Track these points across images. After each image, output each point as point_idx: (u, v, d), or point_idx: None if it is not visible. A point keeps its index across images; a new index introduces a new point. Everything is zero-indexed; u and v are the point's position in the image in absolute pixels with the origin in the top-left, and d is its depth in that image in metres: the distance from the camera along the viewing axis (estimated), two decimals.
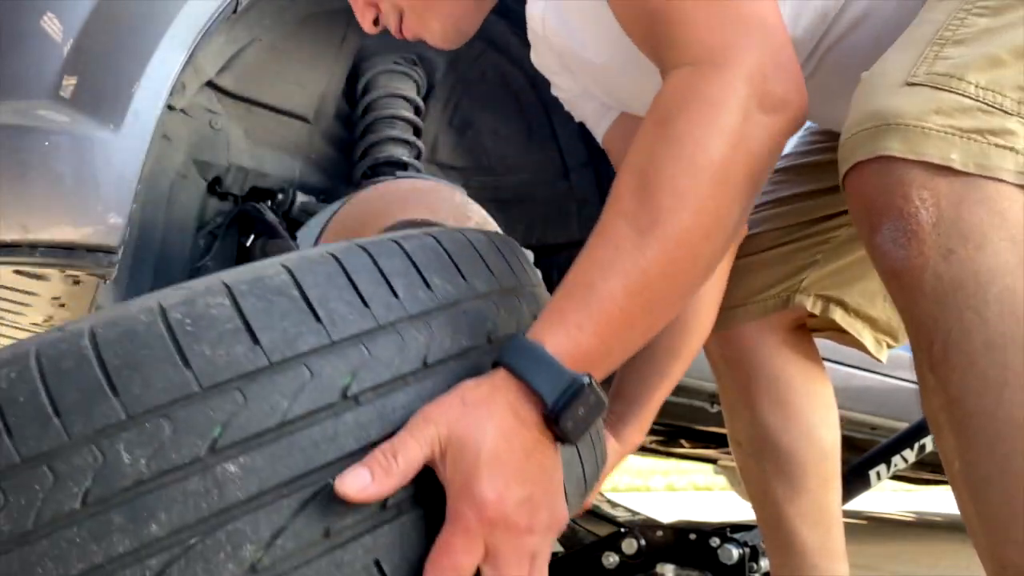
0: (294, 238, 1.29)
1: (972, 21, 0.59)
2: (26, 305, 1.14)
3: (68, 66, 0.92)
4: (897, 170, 0.54)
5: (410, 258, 0.54)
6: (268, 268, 0.49)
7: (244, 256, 1.36)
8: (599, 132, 0.98)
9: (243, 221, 1.34)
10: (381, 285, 0.52)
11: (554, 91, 1.00)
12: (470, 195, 1.32)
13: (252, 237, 1.37)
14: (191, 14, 0.98)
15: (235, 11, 1.05)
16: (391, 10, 0.85)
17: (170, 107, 1.11)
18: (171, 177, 1.20)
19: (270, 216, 1.31)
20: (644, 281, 0.53)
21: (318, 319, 0.48)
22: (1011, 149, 0.54)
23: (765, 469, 0.97)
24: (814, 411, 0.97)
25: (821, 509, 0.96)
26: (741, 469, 1.02)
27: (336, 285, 0.50)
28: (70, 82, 0.92)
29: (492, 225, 1.29)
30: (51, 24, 0.92)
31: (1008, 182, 0.53)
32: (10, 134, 0.90)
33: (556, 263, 1.71)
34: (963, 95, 0.55)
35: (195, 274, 1.28)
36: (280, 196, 1.34)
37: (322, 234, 1.21)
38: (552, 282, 1.75)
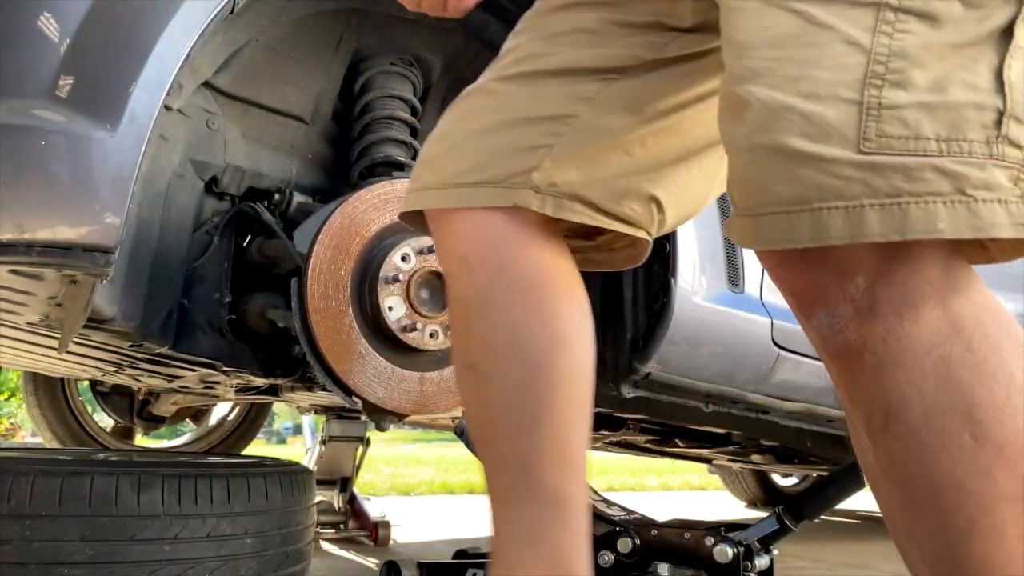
0: (291, 238, 1.29)
1: (901, 40, 0.50)
2: (22, 305, 1.14)
3: (65, 66, 0.92)
4: (834, 257, 0.52)
5: None
6: None
7: (241, 256, 1.36)
8: None
9: (240, 221, 1.34)
10: None
11: None
12: None
13: (249, 237, 1.37)
14: (188, 14, 0.99)
15: (232, 11, 1.05)
16: None
17: (167, 107, 1.11)
18: (168, 177, 1.20)
19: (267, 216, 1.31)
20: None
21: None
22: (1000, 202, 0.48)
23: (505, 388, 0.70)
24: (570, 318, 0.72)
25: (566, 442, 0.69)
26: (475, 403, 0.73)
27: None
28: (67, 82, 0.92)
29: None
30: (48, 24, 0.92)
31: (930, 244, 0.50)
32: (6, 133, 0.90)
33: None
34: (925, 155, 0.49)
35: (192, 274, 1.28)
36: (277, 196, 1.34)
37: (319, 234, 1.21)
38: None
